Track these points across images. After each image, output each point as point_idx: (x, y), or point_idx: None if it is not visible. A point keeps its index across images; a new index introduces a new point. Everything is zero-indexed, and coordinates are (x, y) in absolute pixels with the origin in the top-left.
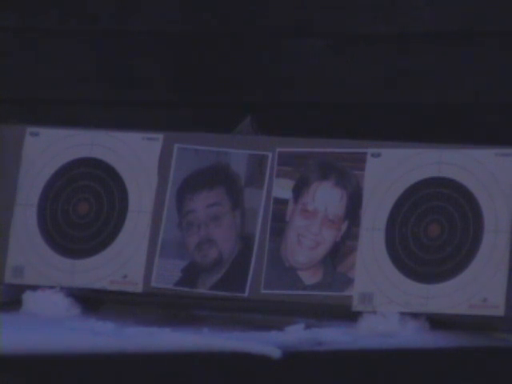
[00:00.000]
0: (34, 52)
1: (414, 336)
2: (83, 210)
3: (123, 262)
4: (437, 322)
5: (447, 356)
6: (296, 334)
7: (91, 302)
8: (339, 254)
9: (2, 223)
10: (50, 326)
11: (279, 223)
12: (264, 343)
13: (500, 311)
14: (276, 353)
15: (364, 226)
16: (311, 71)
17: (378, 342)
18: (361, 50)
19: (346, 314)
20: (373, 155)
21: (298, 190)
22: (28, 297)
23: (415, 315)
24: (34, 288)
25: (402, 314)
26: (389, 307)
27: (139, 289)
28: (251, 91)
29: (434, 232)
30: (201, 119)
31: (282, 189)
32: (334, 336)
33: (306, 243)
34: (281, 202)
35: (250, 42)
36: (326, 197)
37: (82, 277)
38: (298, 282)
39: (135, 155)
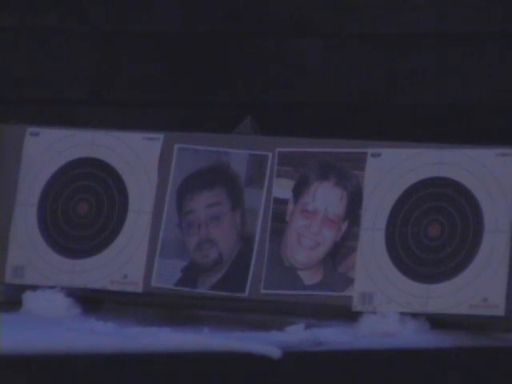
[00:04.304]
0: (34, 52)
1: (414, 336)
2: (83, 210)
3: (123, 262)
4: (437, 321)
5: (447, 356)
6: (296, 334)
7: (91, 301)
8: (339, 254)
9: (2, 223)
10: (50, 325)
11: (279, 223)
12: (264, 343)
13: (500, 311)
14: (276, 353)
15: (364, 225)
16: (311, 71)
17: (378, 342)
18: (361, 50)
19: (346, 314)
20: (373, 155)
21: (298, 190)
22: (28, 297)
23: (415, 315)
24: (34, 288)
25: (402, 313)
26: (389, 307)
27: (139, 289)
28: (251, 91)
29: (434, 232)
30: (201, 119)
31: (282, 189)
32: (334, 336)
33: (306, 243)
34: (281, 202)
35: (250, 42)
36: (326, 197)
37: (81, 277)
38: (297, 282)
39: (135, 155)
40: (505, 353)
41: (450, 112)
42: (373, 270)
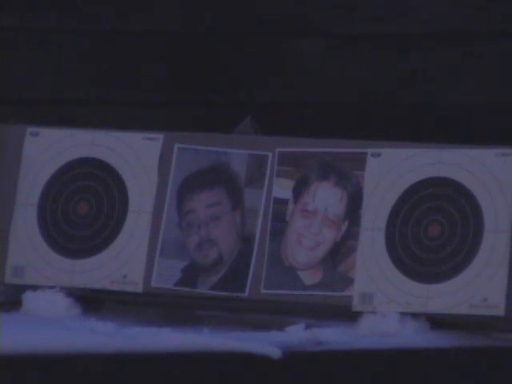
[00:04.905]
0: (34, 52)
1: (414, 336)
2: (83, 210)
3: (123, 262)
4: (437, 321)
5: (447, 356)
6: (296, 334)
7: (91, 301)
8: (339, 253)
9: (2, 223)
10: (49, 325)
11: (279, 223)
12: (264, 343)
13: (500, 311)
14: (276, 353)
15: (364, 225)
16: (311, 71)
17: (378, 342)
18: (361, 50)
19: (346, 314)
20: (373, 155)
21: (298, 190)
22: (28, 297)
23: (415, 315)
24: (34, 288)
25: (402, 313)
26: (389, 307)
27: (139, 289)
28: (251, 91)
29: (434, 232)
30: (201, 119)
31: (282, 189)
32: (334, 336)
33: (305, 243)
34: (281, 202)
35: (250, 42)
36: (326, 197)
37: (82, 277)
38: (297, 282)
39: (135, 155)
40: (505, 353)
41: (449, 112)
42: (373, 269)
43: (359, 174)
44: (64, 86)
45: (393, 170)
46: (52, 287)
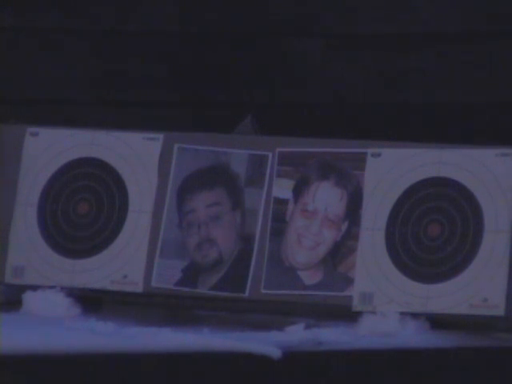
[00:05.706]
0: (34, 52)
1: (414, 336)
2: (83, 210)
3: (123, 262)
4: (437, 321)
5: (447, 356)
6: (296, 334)
7: (91, 301)
8: (339, 254)
9: (2, 223)
10: (50, 325)
11: (279, 223)
12: (264, 343)
13: (500, 311)
14: (276, 353)
15: (364, 225)
16: (311, 71)
17: (378, 342)
18: (361, 50)
19: (346, 314)
20: (373, 155)
21: (298, 190)
22: (28, 297)
23: (415, 315)
24: (34, 288)
25: (402, 313)
26: (389, 307)
27: (139, 289)
28: (251, 91)
29: (434, 232)
30: (201, 119)
31: (282, 189)
32: (334, 336)
33: (306, 243)
34: (281, 202)
35: (250, 42)
36: (326, 197)
37: (81, 277)
38: (297, 282)
39: (135, 155)
40: (505, 353)
41: (450, 112)
42: (373, 269)
43: (359, 174)
44: (64, 86)
45: (393, 170)
46: (52, 287)
